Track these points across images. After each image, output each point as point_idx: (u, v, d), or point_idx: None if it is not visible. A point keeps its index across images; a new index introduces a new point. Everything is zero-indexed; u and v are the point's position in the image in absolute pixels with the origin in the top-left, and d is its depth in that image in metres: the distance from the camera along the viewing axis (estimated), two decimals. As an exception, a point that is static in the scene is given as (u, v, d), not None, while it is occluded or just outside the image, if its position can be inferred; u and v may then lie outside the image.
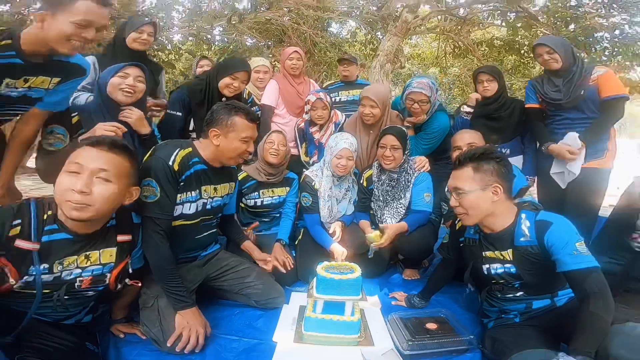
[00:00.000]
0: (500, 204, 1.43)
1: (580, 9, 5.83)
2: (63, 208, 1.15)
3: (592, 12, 5.79)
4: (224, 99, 2.30)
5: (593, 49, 6.04)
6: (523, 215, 1.43)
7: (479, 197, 1.41)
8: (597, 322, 1.17)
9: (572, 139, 2.27)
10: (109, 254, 1.29)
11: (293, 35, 6.98)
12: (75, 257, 1.22)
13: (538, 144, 2.50)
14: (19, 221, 1.13)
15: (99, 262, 1.27)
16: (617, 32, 5.95)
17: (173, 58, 7.99)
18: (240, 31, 7.19)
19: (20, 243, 1.11)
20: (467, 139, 2.15)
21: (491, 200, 1.41)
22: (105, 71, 1.85)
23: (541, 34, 6.39)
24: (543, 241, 1.35)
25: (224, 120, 1.61)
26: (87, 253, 1.24)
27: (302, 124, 2.80)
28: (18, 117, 1.68)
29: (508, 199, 1.46)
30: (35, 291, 1.16)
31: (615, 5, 5.66)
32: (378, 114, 2.50)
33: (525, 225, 1.41)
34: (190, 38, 7.75)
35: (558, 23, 6.08)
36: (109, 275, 1.30)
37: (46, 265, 1.17)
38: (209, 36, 7.62)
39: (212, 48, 8.14)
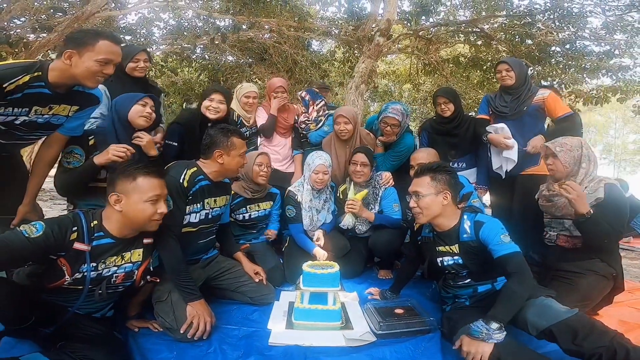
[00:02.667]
0: (448, 207, 1.78)
1: (534, 25, 6.34)
2: (148, 226, 1.54)
3: (543, 29, 6.31)
4: (209, 124, 2.55)
5: (547, 63, 6.58)
6: (465, 217, 1.79)
7: (432, 200, 1.75)
8: (511, 295, 1.51)
9: (501, 128, 2.70)
10: (137, 254, 1.58)
11: (274, 54, 7.27)
12: (115, 257, 1.50)
13: (487, 146, 2.84)
14: (76, 228, 1.40)
15: (130, 261, 1.56)
16: (567, 46, 6.51)
17: (154, 75, 8.14)
18: (222, 49, 7.47)
19: (78, 245, 1.39)
20: (419, 159, 2.50)
21: (442, 203, 1.75)
22: (122, 100, 2.08)
23: (502, 51, 6.99)
24: (479, 236, 1.70)
25: (224, 142, 1.94)
26: (123, 254, 1.53)
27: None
28: (39, 141, 1.90)
29: (454, 204, 1.82)
30: (79, 287, 1.43)
31: (563, 20, 6.20)
32: (351, 129, 2.88)
33: (467, 225, 1.76)
34: (172, 55, 7.94)
35: (515, 40, 6.60)
36: (136, 272, 1.58)
37: (94, 264, 1.44)
38: (191, 54, 7.83)
39: (193, 64, 8.36)
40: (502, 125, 2.71)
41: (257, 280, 2.15)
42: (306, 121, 3.24)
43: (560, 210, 2.04)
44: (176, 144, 2.50)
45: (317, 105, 3.27)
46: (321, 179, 2.59)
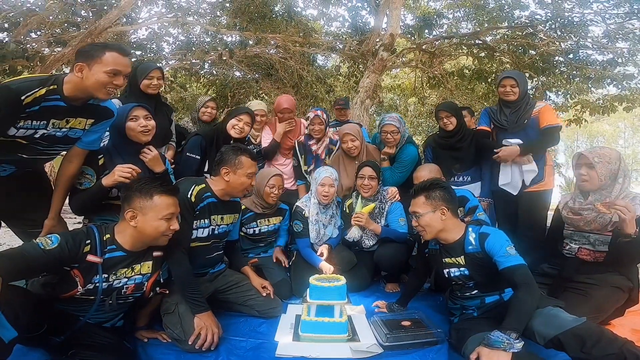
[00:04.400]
0: (449, 221, 1.81)
1: (536, 36, 6.37)
2: (159, 241, 1.60)
3: (545, 39, 6.33)
4: (232, 141, 2.61)
5: (552, 73, 6.56)
6: (470, 229, 1.82)
7: (431, 218, 1.79)
8: (521, 305, 1.52)
9: (514, 142, 2.70)
10: (147, 266, 1.62)
11: (280, 69, 7.39)
12: (125, 269, 1.55)
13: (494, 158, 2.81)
14: (89, 241, 1.46)
15: (140, 273, 1.60)
16: (570, 55, 6.50)
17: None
18: (229, 65, 7.62)
19: (90, 257, 1.44)
20: (421, 177, 2.50)
21: (440, 219, 1.79)
22: (116, 117, 2.01)
23: (506, 63, 7.02)
24: (484, 248, 1.72)
25: (232, 160, 1.96)
26: (133, 266, 1.57)
27: (303, 138, 3.21)
28: (59, 156, 1.94)
29: (455, 217, 1.84)
30: (91, 297, 1.47)
31: (564, 30, 6.20)
32: (359, 145, 2.95)
33: (472, 237, 1.78)
34: (181, 71, 8.10)
35: (518, 51, 6.61)
36: (146, 283, 1.61)
37: (105, 276, 1.48)
38: (200, 70, 8.00)
39: (201, 80, 8.53)
40: (517, 140, 2.71)
41: (264, 294, 2.17)
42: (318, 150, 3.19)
43: (589, 225, 1.97)
44: (198, 157, 2.55)
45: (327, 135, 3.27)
46: (327, 191, 2.62)
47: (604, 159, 1.91)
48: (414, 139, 3.53)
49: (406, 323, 1.91)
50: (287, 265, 2.48)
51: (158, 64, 2.72)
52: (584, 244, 2.02)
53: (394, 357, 1.68)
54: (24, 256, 1.28)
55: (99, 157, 1.98)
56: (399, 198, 2.76)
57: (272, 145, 3.17)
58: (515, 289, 1.59)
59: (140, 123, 1.99)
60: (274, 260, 2.43)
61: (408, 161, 2.97)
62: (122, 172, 1.84)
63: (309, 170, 3.15)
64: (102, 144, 2.05)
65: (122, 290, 1.55)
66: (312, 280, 1.97)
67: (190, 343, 1.64)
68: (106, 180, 1.87)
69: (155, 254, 1.65)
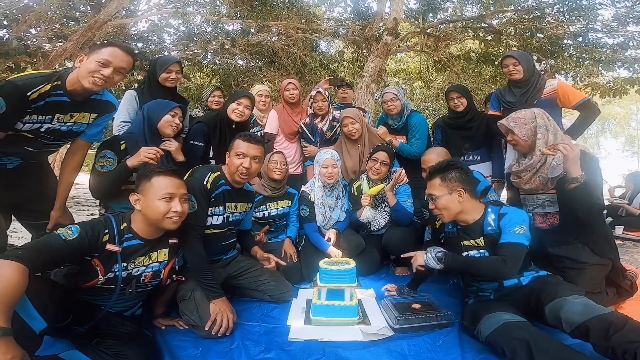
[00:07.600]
0: (467, 203, 1.80)
1: (543, 19, 6.24)
2: (163, 223, 1.56)
3: (553, 22, 6.21)
4: (234, 126, 2.66)
5: (560, 56, 6.45)
6: (489, 210, 1.81)
7: (448, 200, 1.78)
8: (481, 260, 1.70)
9: None
10: (163, 254, 1.66)
11: (283, 56, 7.33)
12: (143, 257, 1.59)
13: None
14: (107, 230, 1.49)
15: (157, 260, 1.64)
16: (579, 39, 6.37)
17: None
18: (232, 54, 7.56)
19: (110, 247, 1.47)
20: (429, 161, 2.51)
21: (458, 201, 1.78)
22: (154, 107, 2.18)
23: (513, 46, 6.90)
24: (500, 227, 1.72)
25: (231, 144, 2.02)
26: (150, 254, 1.61)
27: (308, 120, 3.26)
28: (63, 148, 2.02)
29: (473, 198, 1.83)
30: (111, 286, 1.51)
31: (573, 13, 6.07)
32: (359, 128, 2.97)
33: (491, 218, 1.78)
34: (184, 61, 8.05)
35: (525, 35, 6.49)
36: (163, 271, 1.66)
37: (124, 264, 1.52)
38: (203, 60, 7.95)
39: (204, 70, 8.48)
40: None
41: (269, 266, 2.20)
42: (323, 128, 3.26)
43: (529, 185, 2.02)
44: (202, 144, 2.59)
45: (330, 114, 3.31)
46: (330, 172, 2.65)
47: (519, 121, 2.01)
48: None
49: (416, 306, 1.93)
50: (295, 260, 2.52)
51: (180, 60, 2.65)
52: (535, 207, 2.07)
53: (405, 339, 1.71)
54: (48, 247, 1.32)
55: (121, 142, 2.07)
56: (407, 180, 2.77)
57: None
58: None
59: (175, 120, 2.18)
60: (282, 253, 2.46)
61: (420, 126, 3.03)
62: (147, 152, 1.93)
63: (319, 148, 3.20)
64: (120, 132, 2.14)
65: (141, 279, 1.59)
66: (322, 264, 1.99)
67: (206, 329, 1.69)
68: (131, 161, 1.95)
69: (171, 241, 1.68)
